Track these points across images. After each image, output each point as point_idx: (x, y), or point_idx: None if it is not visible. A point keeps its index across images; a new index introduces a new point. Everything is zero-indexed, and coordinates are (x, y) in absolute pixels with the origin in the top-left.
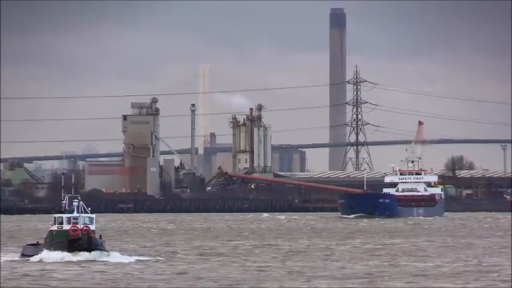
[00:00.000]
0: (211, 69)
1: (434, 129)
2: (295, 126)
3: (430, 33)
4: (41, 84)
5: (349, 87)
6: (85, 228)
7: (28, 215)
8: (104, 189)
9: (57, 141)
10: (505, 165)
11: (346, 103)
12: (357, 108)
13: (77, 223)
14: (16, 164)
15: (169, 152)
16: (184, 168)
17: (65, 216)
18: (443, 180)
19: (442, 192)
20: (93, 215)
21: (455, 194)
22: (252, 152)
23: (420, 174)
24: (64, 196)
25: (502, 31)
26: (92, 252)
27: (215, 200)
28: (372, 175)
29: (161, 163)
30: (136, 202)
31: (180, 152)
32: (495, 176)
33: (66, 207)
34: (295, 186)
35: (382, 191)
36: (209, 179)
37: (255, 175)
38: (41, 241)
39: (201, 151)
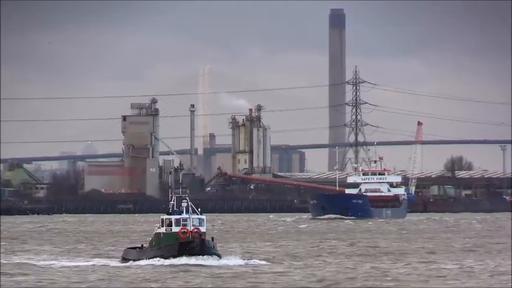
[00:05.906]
0: (211, 69)
1: (433, 130)
2: (295, 126)
3: (431, 33)
4: (40, 85)
5: (349, 88)
6: (195, 230)
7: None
8: (103, 190)
9: (57, 142)
10: (504, 165)
11: (346, 104)
12: (356, 109)
13: (186, 225)
14: (16, 164)
15: (169, 153)
16: (183, 168)
17: (173, 217)
18: (443, 180)
19: (405, 193)
20: (204, 216)
21: (454, 194)
22: (251, 152)
23: (383, 174)
24: (171, 196)
25: (503, 31)
26: (205, 256)
27: (215, 201)
28: None
29: (160, 164)
30: (136, 203)
31: (180, 152)
32: (494, 176)
33: (175, 208)
34: (295, 186)
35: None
36: (209, 179)
37: (254, 176)
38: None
39: (200, 152)
